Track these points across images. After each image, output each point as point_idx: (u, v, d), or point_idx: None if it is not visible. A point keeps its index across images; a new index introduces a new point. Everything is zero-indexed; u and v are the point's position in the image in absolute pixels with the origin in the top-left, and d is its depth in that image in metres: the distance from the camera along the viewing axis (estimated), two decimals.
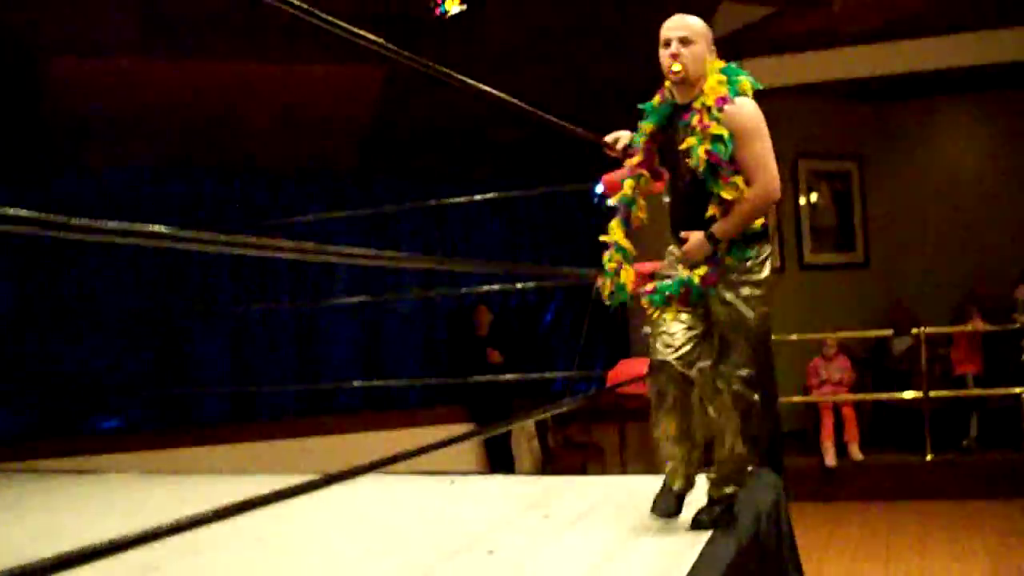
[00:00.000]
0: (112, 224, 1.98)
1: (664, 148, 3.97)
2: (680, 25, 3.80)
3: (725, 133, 3.66)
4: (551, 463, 9.30)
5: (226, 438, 8.69)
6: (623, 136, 4.27)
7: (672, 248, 3.96)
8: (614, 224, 4.10)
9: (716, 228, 3.72)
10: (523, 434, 9.51)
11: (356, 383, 9.03)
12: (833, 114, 11.24)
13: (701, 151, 3.68)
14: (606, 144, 4.38)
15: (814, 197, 11.42)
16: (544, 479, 6.24)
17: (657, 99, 4.00)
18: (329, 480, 2.47)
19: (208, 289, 9.19)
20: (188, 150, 8.74)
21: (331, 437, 8.87)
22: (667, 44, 3.77)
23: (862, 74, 9.50)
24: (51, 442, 8.29)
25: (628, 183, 4.10)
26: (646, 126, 4.01)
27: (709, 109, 3.70)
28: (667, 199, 4.07)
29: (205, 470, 7.44)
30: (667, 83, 3.88)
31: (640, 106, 4.07)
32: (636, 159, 4.08)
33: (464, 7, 7.04)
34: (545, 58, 8.56)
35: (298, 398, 9.33)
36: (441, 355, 10.01)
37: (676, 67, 3.74)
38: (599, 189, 4.86)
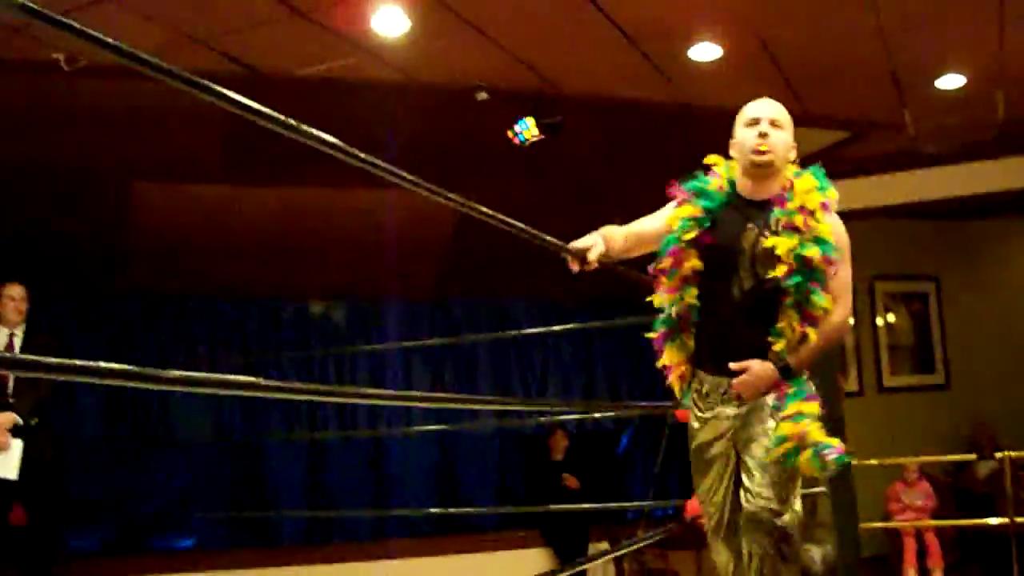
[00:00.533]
0: (202, 375, 2.06)
1: (709, 247, 3.37)
2: (771, 107, 3.40)
3: (832, 240, 3.24)
4: None
5: (301, 559, 8.72)
6: (594, 245, 3.52)
7: (704, 375, 3.37)
8: (674, 348, 3.47)
9: (793, 358, 3.21)
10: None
11: (433, 510, 8.99)
12: (909, 235, 11.15)
13: (813, 251, 3.18)
14: (574, 255, 3.52)
15: (892, 319, 11.31)
16: None
17: (713, 184, 3.44)
18: None
19: (286, 412, 9.29)
20: (269, 276, 8.90)
21: (406, 560, 8.82)
22: (754, 123, 3.34)
23: (938, 195, 9.44)
24: (128, 559, 8.41)
25: (676, 301, 3.42)
26: (698, 222, 3.37)
27: (812, 212, 3.24)
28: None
29: None
30: (721, 171, 3.45)
31: (687, 186, 3.45)
32: (678, 278, 3.40)
33: (542, 136, 7.13)
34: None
35: (373, 521, 9.33)
36: (516, 479, 9.97)
37: (764, 146, 3.29)
38: None
